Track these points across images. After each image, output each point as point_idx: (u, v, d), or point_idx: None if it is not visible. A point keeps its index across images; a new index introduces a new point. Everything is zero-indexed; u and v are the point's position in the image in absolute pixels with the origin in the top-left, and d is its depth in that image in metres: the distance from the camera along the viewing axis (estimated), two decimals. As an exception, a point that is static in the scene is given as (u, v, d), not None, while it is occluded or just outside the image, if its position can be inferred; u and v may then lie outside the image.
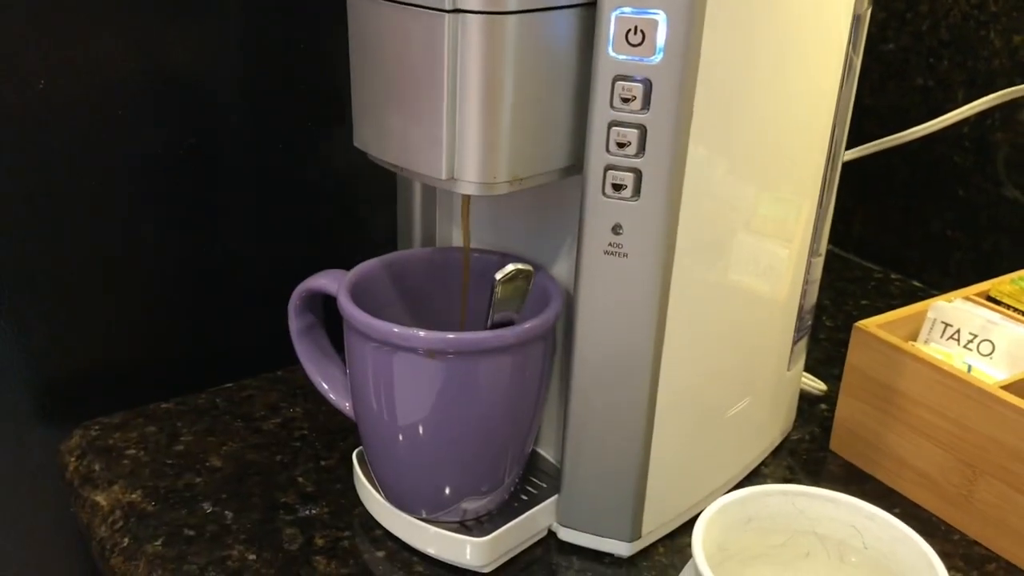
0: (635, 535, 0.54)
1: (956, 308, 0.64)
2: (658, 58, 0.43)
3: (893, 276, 0.92)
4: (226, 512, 0.57)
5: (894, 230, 0.91)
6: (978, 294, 0.67)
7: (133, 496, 0.58)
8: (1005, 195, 0.81)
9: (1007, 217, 0.81)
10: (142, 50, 0.61)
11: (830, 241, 0.97)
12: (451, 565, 0.53)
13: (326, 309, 0.56)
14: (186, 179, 0.66)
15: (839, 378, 0.64)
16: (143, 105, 0.62)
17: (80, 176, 0.62)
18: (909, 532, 0.41)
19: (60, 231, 0.62)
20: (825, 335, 0.80)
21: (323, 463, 0.61)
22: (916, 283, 0.90)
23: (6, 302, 0.62)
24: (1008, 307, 0.65)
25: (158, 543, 0.54)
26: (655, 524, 0.55)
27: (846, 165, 0.90)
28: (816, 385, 0.71)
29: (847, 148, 0.83)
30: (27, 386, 0.65)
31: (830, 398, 0.70)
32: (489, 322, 0.49)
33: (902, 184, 0.90)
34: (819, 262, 0.63)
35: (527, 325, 0.49)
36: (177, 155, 0.65)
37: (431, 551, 0.53)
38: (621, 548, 0.54)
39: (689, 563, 0.41)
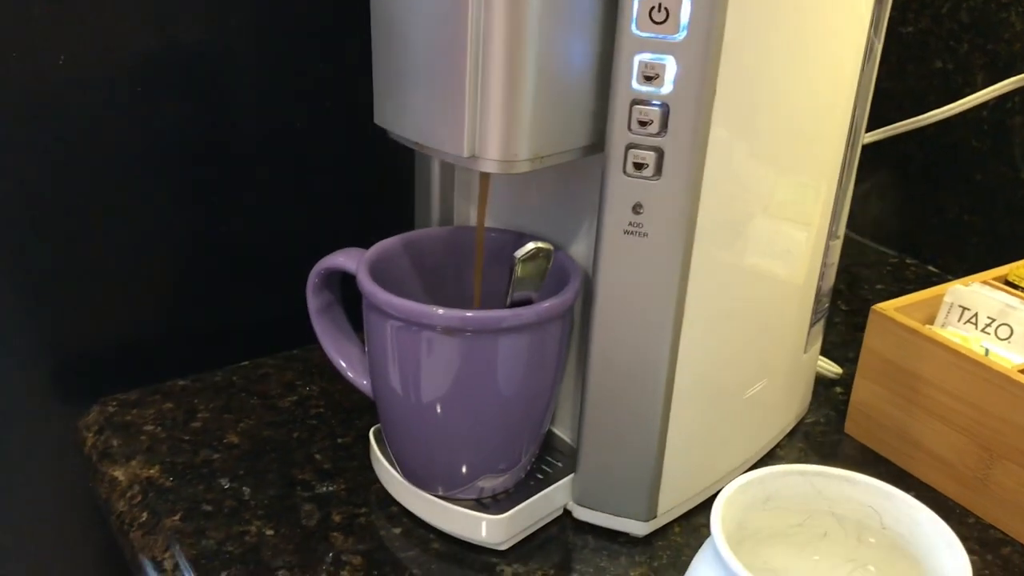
0: (651, 515, 0.54)
1: (973, 292, 0.64)
2: (682, 36, 0.43)
3: (908, 261, 0.91)
4: (244, 488, 0.57)
5: (910, 215, 0.91)
6: (996, 278, 0.67)
7: (151, 471, 0.58)
8: (1023, 180, 0.81)
9: (1025, 202, 0.81)
10: (158, 25, 0.61)
11: (846, 225, 0.97)
12: (467, 542, 0.53)
13: (344, 288, 0.57)
14: (200, 156, 0.66)
15: (854, 361, 0.64)
16: (158, 81, 0.62)
17: (97, 153, 0.62)
18: (927, 512, 0.41)
19: (78, 210, 0.62)
20: (840, 319, 0.80)
21: (340, 441, 0.62)
22: (932, 268, 0.90)
23: (25, 281, 0.62)
24: (1026, 291, 0.65)
25: (176, 518, 0.54)
26: (671, 504, 0.55)
27: (863, 149, 0.90)
28: (832, 368, 0.71)
29: (867, 132, 0.83)
30: (46, 363, 0.65)
31: (845, 381, 0.70)
32: (508, 300, 0.49)
33: (919, 168, 0.89)
34: (837, 245, 0.63)
35: (546, 304, 0.49)
36: (195, 131, 0.65)
37: (447, 528, 0.53)
38: (637, 527, 0.54)
39: (707, 541, 0.41)
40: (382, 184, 0.74)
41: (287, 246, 0.71)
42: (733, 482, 0.42)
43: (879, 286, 0.86)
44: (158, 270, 0.67)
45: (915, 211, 0.90)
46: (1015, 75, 0.77)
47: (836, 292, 0.85)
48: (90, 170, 0.62)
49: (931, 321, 0.65)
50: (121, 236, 0.65)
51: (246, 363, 0.70)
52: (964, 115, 0.83)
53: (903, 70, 0.88)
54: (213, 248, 0.69)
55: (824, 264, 0.61)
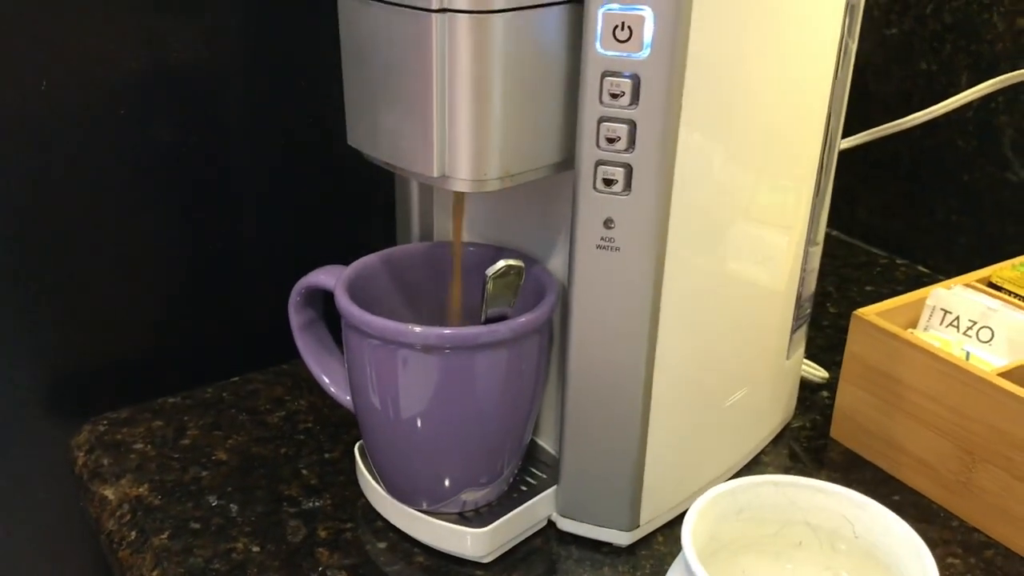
0: (633, 524, 0.54)
1: (955, 295, 0.64)
2: (645, 53, 0.43)
3: (899, 262, 0.92)
4: (231, 505, 0.58)
5: (899, 216, 0.91)
6: (979, 280, 0.67)
7: (140, 490, 0.59)
8: (1010, 179, 0.81)
9: (1012, 201, 0.81)
10: (143, 47, 0.62)
11: (835, 227, 0.97)
12: (452, 555, 0.54)
13: (327, 304, 0.57)
14: (188, 176, 0.66)
15: (841, 365, 0.64)
16: (145, 103, 0.63)
17: (83, 175, 0.62)
18: (899, 521, 0.42)
19: (65, 230, 0.63)
20: (829, 322, 0.80)
21: (327, 456, 0.62)
22: (922, 268, 0.90)
23: (15, 301, 0.63)
24: (1009, 293, 0.65)
25: (164, 536, 0.55)
26: (654, 513, 0.55)
27: (851, 151, 0.90)
28: (817, 372, 0.71)
29: (850, 135, 0.83)
30: (36, 382, 0.66)
31: (832, 385, 0.71)
32: (484, 317, 0.50)
33: (906, 170, 0.89)
34: (817, 251, 0.63)
35: (522, 319, 0.49)
36: (179, 152, 0.65)
37: (432, 542, 0.54)
38: (620, 537, 0.55)
39: (680, 554, 0.41)
40: (368, 199, 0.74)
41: (274, 262, 0.72)
42: (705, 494, 0.42)
43: (868, 287, 0.87)
44: (146, 289, 0.68)
45: (904, 212, 0.91)
46: (999, 75, 0.77)
47: (825, 295, 0.85)
48: (77, 190, 0.63)
49: (914, 324, 0.65)
50: (110, 255, 0.65)
51: (236, 379, 0.70)
52: (949, 116, 0.83)
53: (888, 72, 0.88)
54: (200, 266, 0.69)
55: (804, 270, 0.61)
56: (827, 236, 0.96)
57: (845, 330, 0.63)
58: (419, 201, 0.59)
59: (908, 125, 0.80)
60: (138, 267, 0.67)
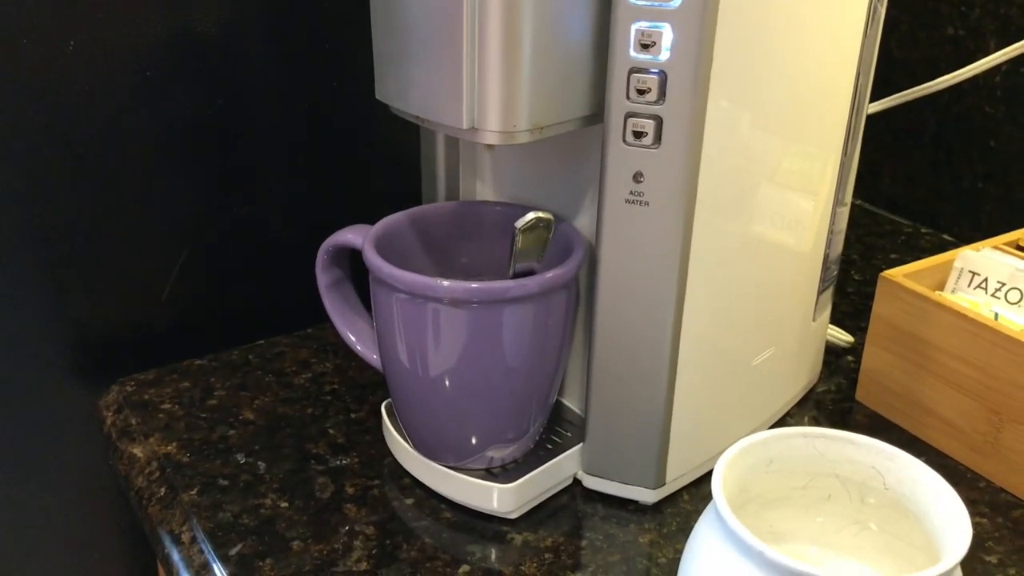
0: (659, 482, 0.55)
1: (983, 257, 0.63)
2: (677, 2, 0.43)
3: (924, 230, 0.91)
4: (259, 463, 0.58)
5: (924, 184, 0.90)
6: (1007, 243, 0.66)
7: (169, 448, 0.59)
8: (1037, 145, 0.80)
9: (1039, 168, 0.80)
10: (168, 10, 0.62)
11: (860, 196, 0.96)
12: (478, 512, 0.54)
13: (353, 265, 0.57)
14: (215, 139, 0.66)
15: (866, 331, 0.64)
16: (170, 67, 0.63)
17: (111, 138, 0.63)
18: (929, 472, 0.42)
19: (93, 194, 0.63)
20: (854, 288, 0.80)
21: (353, 416, 0.63)
22: (947, 236, 0.90)
23: (45, 266, 0.63)
24: (1037, 256, 0.64)
25: (194, 492, 0.56)
26: (680, 471, 0.56)
27: (876, 118, 0.90)
28: (843, 337, 0.71)
29: (876, 100, 0.83)
30: (66, 345, 0.66)
31: (857, 350, 0.70)
32: (511, 271, 0.50)
33: (932, 137, 0.88)
34: (844, 212, 0.62)
35: (549, 274, 0.49)
36: (206, 115, 0.65)
37: (458, 498, 0.54)
38: (646, 495, 0.55)
39: (710, 504, 0.41)
40: (393, 161, 0.74)
41: (300, 226, 0.72)
42: (735, 445, 0.42)
43: (893, 255, 0.86)
44: (173, 252, 0.68)
45: (929, 180, 0.90)
46: (1027, 39, 0.76)
47: (850, 262, 0.84)
48: (105, 155, 0.63)
49: (941, 287, 0.65)
50: (136, 219, 0.66)
51: (261, 342, 0.71)
52: (977, 82, 0.82)
53: (915, 38, 0.87)
54: (227, 230, 0.69)
55: (831, 231, 0.61)
56: (852, 205, 0.96)
57: (870, 297, 0.63)
58: (445, 161, 0.59)
59: (935, 89, 0.79)
60: (164, 230, 0.67)
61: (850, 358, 0.70)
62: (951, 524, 0.39)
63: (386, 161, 0.74)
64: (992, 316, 0.60)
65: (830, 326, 0.71)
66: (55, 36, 0.59)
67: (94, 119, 0.62)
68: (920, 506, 0.42)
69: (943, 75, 0.79)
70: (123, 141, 0.63)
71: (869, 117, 0.87)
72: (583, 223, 0.54)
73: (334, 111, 0.70)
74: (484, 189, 0.59)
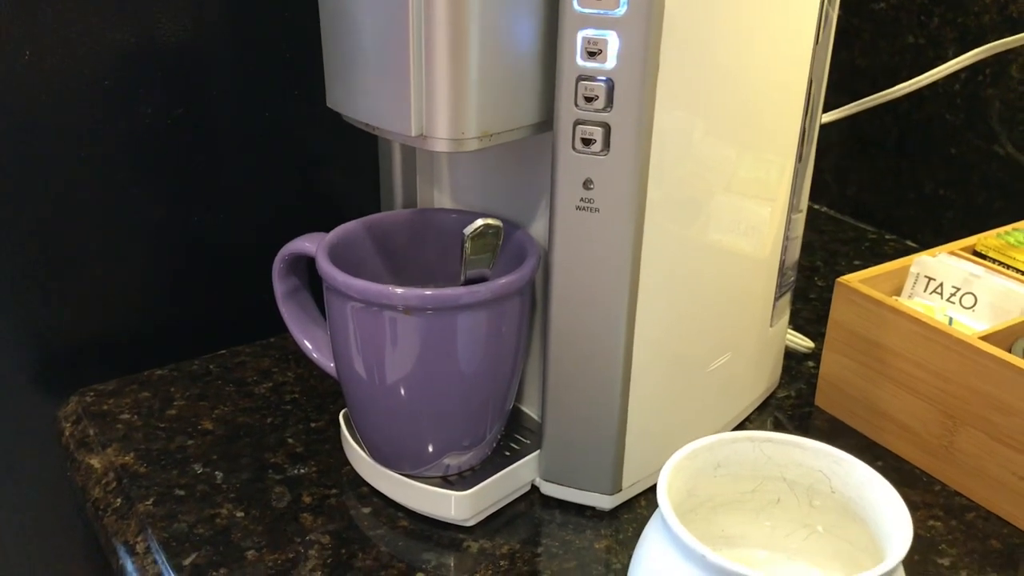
0: (616, 488, 0.55)
1: (939, 262, 0.64)
2: (622, 10, 0.43)
3: (888, 237, 0.92)
4: (216, 472, 0.58)
5: (887, 190, 0.91)
6: (964, 248, 0.67)
7: (126, 458, 0.59)
8: (997, 152, 0.81)
9: (999, 174, 0.81)
10: (128, 19, 0.62)
11: (824, 202, 0.97)
12: (435, 519, 0.54)
13: (311, 273, 0.57)
14: (174, 148, 0.66)
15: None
16: (130, 75, 0.63)
17: (68, 147, 0.63)
18: (874, 474, 0.42)
19: (50, 203, 0.63)
20: (816, 295, 0.81)
21: (313, 425, 0.62)
22: (911, 243, 0.90)
23: (4, 275, 0.63)
24: (993, 261, 0.65)
25: (149, 502, 0.55)
26: (636, 478, 0.56)
27: (839, 126, 0.90)
28: (803, 343, 0.71)
29: (835, 108, 0.83)
30: (25, 355, 0.66)
31: (817, 355, 0.71)
32: (463, 278, 0.50)
33: (895, 144, 0.89)
34: (800, 218, 0.63)
35: (502, 281, 0.49)
36: (165, 125, 0.65)
37: (415, 506, 0.54)
38: (603, 501, 0.55)
39: (657, 510, 0.41)
40: (353, 169, 0.74)
41: (263, 235, 0.72)
42: (682, 449, 0.43)
43: (857, 262, 0.87)
44: (134, 262, 0.68)
45: (892, 187, 0.91)
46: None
47: (813, 268, 0.85)
48: (64, 165, 0.63)
49: (898, 292, 0.66)
50: (96, 229, 0.65)
51: (223, 351, 0.70)
52: (937, 89, 0.83)
53: (876, 47, 0.88)
54: (187, 239, 0.69)
55: (787, 238, 0.61)
56: (815, 212, 0.97)
57: (831, 303, 0.63)
58: (402, 168, 0.59)
59: (894, 96, 0.80)
60: (124, 241, 0.67)
61: (811, 363, 0.71)
62: (894, 526, 0.40)
63: (346, 170, 0.74)
64: (947, 321, 0.61)
65: (790, 331, 0.71)
66: (10, 46, 0.58)
67: (52, 129, 0.62)
68: (866, 509, 0.42)
69: (904, 82, 0.80)
70: (82, 151, 0.63)
71: (833, 125, 0.88)
72: (538, 230, 0.54)
73: (294, 120, 0.70)
74: (441, 197, 0.59)
